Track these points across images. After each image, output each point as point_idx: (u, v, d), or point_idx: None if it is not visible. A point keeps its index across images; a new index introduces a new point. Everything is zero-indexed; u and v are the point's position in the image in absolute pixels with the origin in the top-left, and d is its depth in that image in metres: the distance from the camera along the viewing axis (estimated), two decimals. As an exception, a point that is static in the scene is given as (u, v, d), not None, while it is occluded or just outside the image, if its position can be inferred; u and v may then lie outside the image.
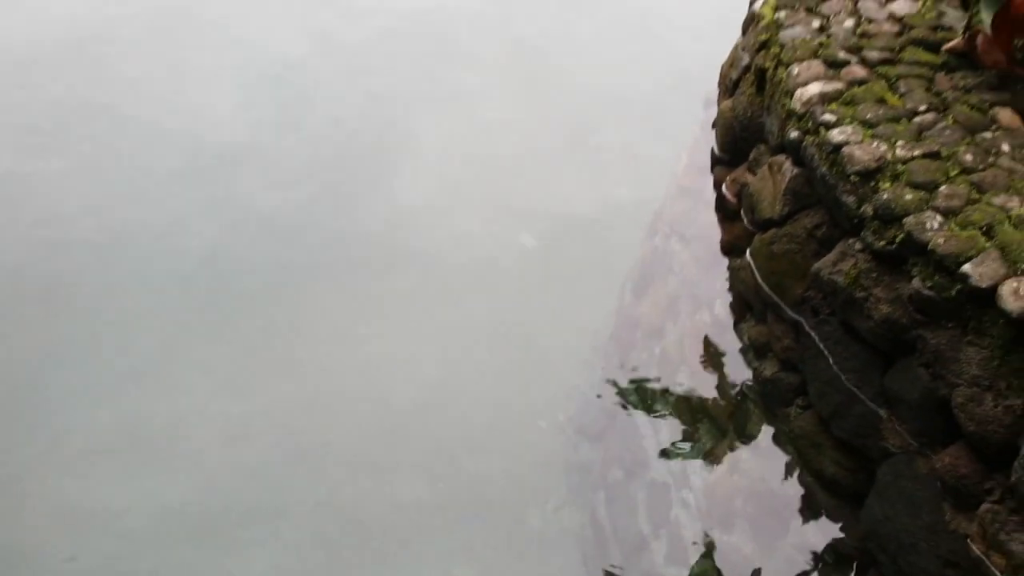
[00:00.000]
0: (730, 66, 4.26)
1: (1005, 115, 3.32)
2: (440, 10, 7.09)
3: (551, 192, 5.67)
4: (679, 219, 4.61)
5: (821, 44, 3.67)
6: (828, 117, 3.36)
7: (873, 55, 3.60)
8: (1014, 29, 3.37)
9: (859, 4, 3.86)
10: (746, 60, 4.03)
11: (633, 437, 4.15)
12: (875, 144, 3.22)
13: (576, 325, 4.88)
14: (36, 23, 7.03)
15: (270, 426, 4.61)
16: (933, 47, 3.60)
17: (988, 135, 3.25)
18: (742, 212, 3.95)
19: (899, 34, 3.69)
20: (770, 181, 3.67)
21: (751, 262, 3.77)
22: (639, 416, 4.18)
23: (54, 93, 6.44)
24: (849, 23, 3.76)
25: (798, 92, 3.51)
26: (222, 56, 6.76)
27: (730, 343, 3.99)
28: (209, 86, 6.53)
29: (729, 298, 4.06)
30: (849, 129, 3.30)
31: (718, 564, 3.61)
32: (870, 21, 3.77)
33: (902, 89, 3.45)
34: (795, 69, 3.59)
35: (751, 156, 3.96)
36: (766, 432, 3.77)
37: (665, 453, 3.97)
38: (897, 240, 3.01)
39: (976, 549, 2.82)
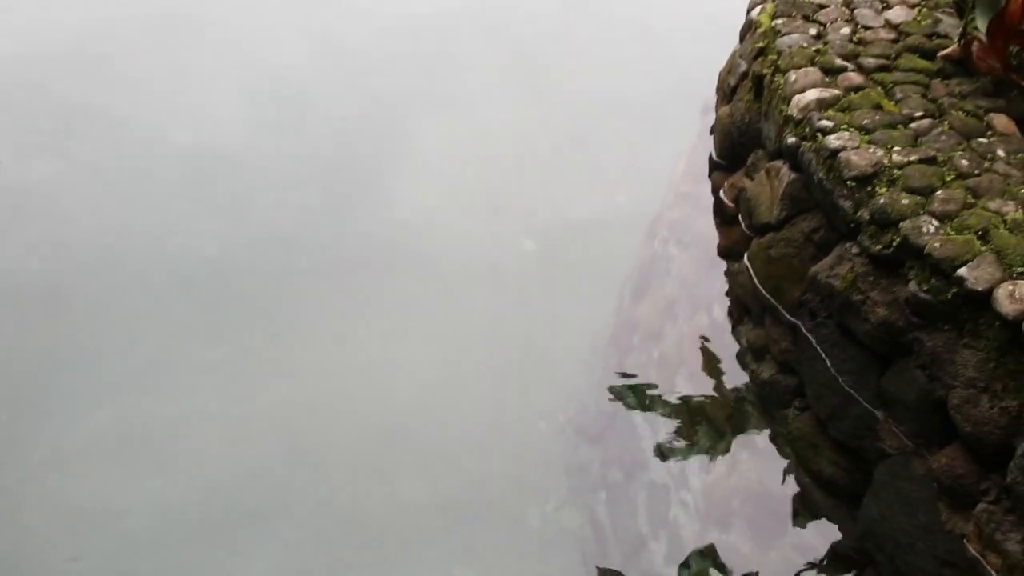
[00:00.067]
0: (728, 72, 4.28)
1: (1000, 121, 3.35)
2: (440, 12, 7.10)
3: (550, 195, 5.67)
4: (677, 223, 4.64)
5: (818, 51, 3.70)
6: (825, 123, 3.40)
7: (869, 62, 3.63)
8: (1009, 36, 3.41)
9: (855, 11, 3.89)
10: (744, 67, 4.06)
11: (632, 438, 4.16)
12: (872, 149, 3.25)
13: (575, 327, 4.88)
14: (36, 24, 7.02)
15: (271, 427, 4.61)
16: (929, 54, 3.64)
17: (983, 140, 3.28)
18: (740, 217, 3.97)
19: (895, 41, 3.73)
20: (768, 186, 3.70)
21: (749, 266, 3.80)
22: (638, 417, 4.19)
23: (54, 94, 6.42)
24: (846, 30, 3.79)
25: (795, 98, 3.54)
26: (222, 58, 6.75)
27: (728, 346, 4.01)
28: (209, 87, 6.52)
29: (727, 301, 4.08)
30: (846, 135, 3.33)
31: (717, 564, 3.64)
32: (866, 28, 3.80)
33: (898, 95, 3.49)
34: (792, 76, 3.62)
35: (749, 161, 3.99)
36: (764, 433, 3.79)
37: (664, 454, 3.99)
38: (894, 244, 3.04)
39: (972, 549, 2.84)
